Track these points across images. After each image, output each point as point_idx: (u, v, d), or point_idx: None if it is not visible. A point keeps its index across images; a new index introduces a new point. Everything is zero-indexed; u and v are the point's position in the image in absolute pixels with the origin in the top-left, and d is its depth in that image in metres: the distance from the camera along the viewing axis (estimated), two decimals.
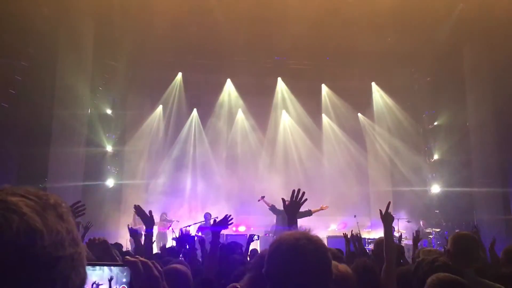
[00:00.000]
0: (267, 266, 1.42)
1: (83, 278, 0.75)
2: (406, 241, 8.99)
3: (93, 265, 1.17)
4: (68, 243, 0.70)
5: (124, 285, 1.27)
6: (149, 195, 12.32)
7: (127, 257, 1.33)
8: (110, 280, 1.23)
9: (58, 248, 0.67)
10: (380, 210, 3.31)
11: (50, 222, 0.68)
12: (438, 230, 10.51)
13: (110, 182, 11.38)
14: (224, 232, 11.08)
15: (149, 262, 1.41)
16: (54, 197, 0.74)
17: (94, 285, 1.21)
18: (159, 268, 1.40)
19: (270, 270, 1.40)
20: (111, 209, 10.96)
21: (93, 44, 10.06)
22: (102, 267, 1.24)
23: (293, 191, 2.73)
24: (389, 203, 3.30)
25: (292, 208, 2.72)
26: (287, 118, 13.68)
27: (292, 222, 2.69)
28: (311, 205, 10.53)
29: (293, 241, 1.40)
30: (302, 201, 2.74)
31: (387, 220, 3.21)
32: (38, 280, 0.65)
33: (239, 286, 2.19)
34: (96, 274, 1.18)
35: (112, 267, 1.23)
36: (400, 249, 4.54)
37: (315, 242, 1.41)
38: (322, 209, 9.67)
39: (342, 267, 2.18)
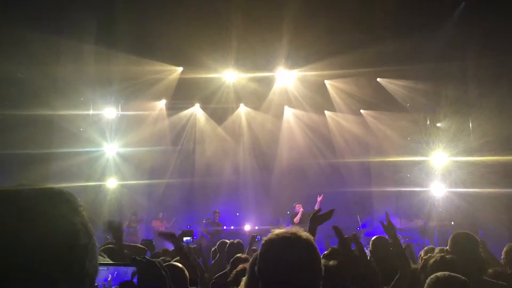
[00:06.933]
0: (259, 264, 1.46)
1: (96, 268, 0.83)
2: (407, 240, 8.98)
3: (106, 265, 1.21)
4: (82, 234, 0.78)
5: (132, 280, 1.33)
6: (150, 195, 12.33)
7: (135, 257, 1.37)
8: (118, 277, 1.28)
9: (73, 237, 0.77)
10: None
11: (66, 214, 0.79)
12: (440, 229, 10.51)
13: (111, 183, 11.37)
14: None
15: (156, 262, 1.44)
16: (68, 193, 0.84)
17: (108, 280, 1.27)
18: (165, 268, 1.43)
19: (262, 268, 1.45)
20: (113, 210, 10.97)
21: (94, 42, 10.06)
22: (111, 266, 1.28)
23: (320, 209, 2.97)
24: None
25: (317, 221, 2.85)
26: (289, 113, 13.63)
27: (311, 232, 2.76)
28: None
29: (284, 239, 1.46)
30: (326, 219, 2.86)
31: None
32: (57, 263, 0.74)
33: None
34: (107, 272, 1.23)
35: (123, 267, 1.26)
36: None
37: (305, 240, 1.46)
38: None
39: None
